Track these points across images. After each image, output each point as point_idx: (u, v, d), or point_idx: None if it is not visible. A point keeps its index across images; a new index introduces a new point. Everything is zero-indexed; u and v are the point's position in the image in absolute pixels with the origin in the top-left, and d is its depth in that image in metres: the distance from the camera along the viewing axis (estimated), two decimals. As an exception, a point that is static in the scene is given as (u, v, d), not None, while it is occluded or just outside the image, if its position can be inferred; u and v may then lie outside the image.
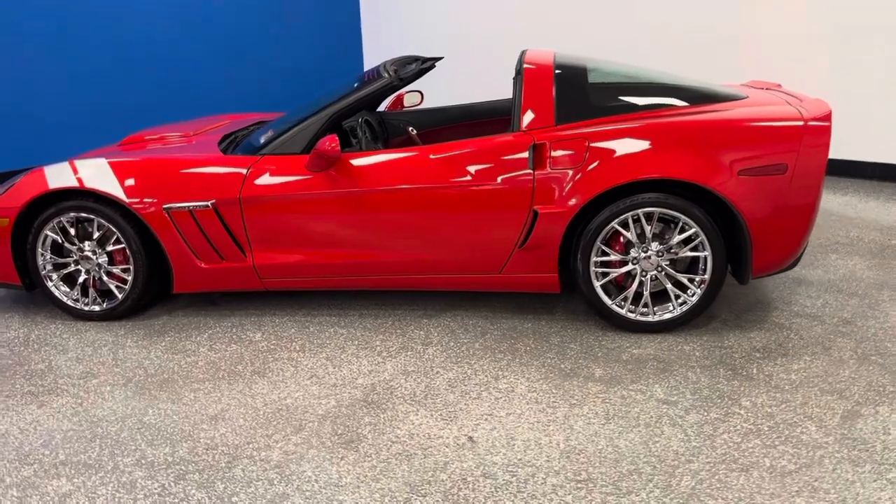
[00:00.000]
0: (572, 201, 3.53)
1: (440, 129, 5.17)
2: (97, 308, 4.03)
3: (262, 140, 3.97)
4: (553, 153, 3.57)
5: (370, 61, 10.25)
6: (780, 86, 4.39)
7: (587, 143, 3.54)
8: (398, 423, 2.97)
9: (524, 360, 3.45)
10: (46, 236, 3.96)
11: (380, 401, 3.14)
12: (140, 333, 3.89)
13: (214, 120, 4.94)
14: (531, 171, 3.58)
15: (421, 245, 3.74)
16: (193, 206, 3.79)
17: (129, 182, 3.83)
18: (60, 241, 3.95)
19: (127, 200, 3.80)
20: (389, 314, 4.02)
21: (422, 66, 4.30)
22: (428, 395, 3.17)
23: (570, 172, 3.55)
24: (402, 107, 5.33)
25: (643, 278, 3.62)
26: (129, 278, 3.95)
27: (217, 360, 3.56)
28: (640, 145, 3.52)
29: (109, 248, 3.94)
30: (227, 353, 3.63)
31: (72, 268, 4.01)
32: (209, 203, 3.78)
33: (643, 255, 3.58)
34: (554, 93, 3.71)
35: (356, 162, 3.71)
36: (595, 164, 3.52)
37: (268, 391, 3.25)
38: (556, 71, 3.79)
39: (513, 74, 5.10)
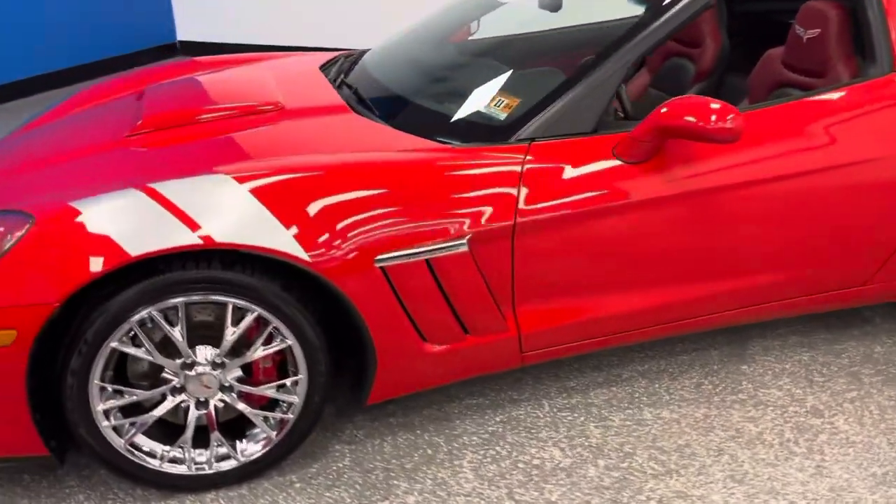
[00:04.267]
0: None
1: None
2: (238, 462, 2.06)
3: (500, 115, 2.22)
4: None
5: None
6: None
7: None
8: None
9: (981, 415, 2.35)
10: (113, 352, 1.87)
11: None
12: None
13: (216, 73, 2.87)
14: (945, 134, 2.39)
15: (779, 261, 2.39)
16: (434, 250, 2.00)
17: (299, 220, 1.90)
18: (148, 352, 1.90)
19: (307, 258, 1.89)
20: (689, 367, 2.61)
21: None
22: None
23: None
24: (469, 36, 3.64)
25: None
26: (295, 399, 2.05)
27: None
28: None
29: (258, 352, 1.98)
30: (563, 509, 2.02)
31: (168, 402, 1.98)
32: (464, 240, 2.02)
33: None
34: None
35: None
36: None
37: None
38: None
39: None
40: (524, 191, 2.07)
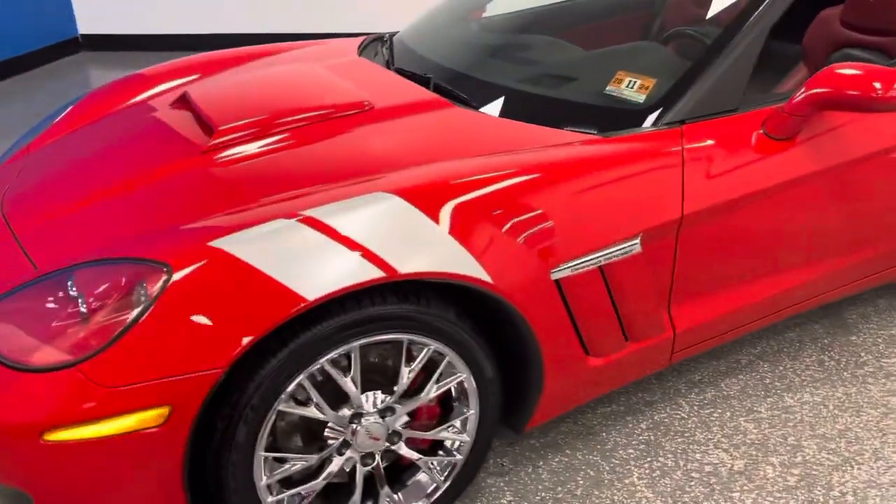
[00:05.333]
0: None
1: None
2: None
3: (637, 97, 2.02)
4: None
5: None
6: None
7: None
8: None
9: None
10: (280, 416, 1.57)
11: None
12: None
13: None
14: None
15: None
16: (609, 255, 1.80)
17: (475, 237, 1.65)
18: (318, 408, 1.60)
19: (490, 280, 1.64)
20: (800, 344, 2.53)
21: None
22: None
23: None
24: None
25: None
26: (466, 438, 1.80)
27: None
28: None
29: (432, 391, 1.72)
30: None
31: (335, 462, 1.68)
32: (637, 240, 1.83)
33: None
34: None
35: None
36: None
37: None
38: None
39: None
40: (688, 179, 1.89)
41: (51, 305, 1.55)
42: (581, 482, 1.99)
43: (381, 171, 1.77)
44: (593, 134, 1.94)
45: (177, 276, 1.46)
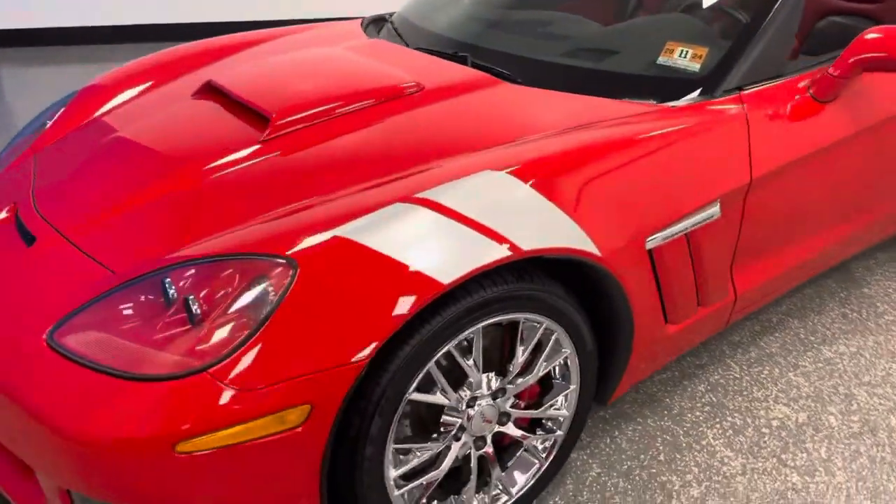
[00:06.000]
0: None
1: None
2: (510, 498, 1.79)
3: (692, 66, 2.05)
4: None
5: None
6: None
7: None
8: None
9: None
10: (408, 404, 1.53)
11: None
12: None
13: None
14: None
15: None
16: (695, 222, 1.83)
17: (581, 211, 1.64)
18: (443, 393, 1.57)
19: (598, 253, 1.64)
20: (821, 300, 2.64)
21: None
22: None
23: None
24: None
25: None
26: (565, 414, 1.80)
27: None
28: None
29: (541, 369, 1.71)
30: None
31: (454, 449, 1.65)
32: (717, 206, 1.87)
33: None
34: None
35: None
36: None
37: None
38: None
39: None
40: (753, 143, 1.94)
41: (149, 310, 1.45)
42: (661, 448, 2.03)
43: (467, 150, 1.73)
44: (654, 104, 1.96)
45: (303, 268, 1.39)
